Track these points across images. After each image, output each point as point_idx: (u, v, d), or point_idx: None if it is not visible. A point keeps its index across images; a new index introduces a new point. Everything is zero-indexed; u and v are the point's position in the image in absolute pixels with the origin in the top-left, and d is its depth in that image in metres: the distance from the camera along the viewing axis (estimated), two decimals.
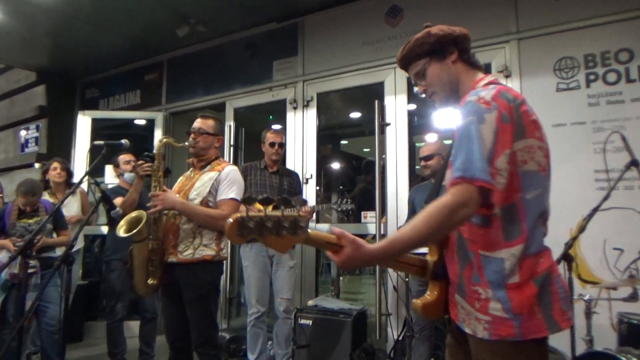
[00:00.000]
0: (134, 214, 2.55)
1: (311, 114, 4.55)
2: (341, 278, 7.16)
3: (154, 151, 2.60)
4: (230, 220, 1.06)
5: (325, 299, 3.70)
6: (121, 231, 2.50)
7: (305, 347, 3.35)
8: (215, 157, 2.68)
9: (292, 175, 3.75)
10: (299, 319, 3.45)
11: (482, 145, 1.15)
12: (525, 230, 1.20)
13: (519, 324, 1.17)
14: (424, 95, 1.44)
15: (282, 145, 3.61)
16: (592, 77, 3.27)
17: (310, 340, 3.37)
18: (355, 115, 6.59)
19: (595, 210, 2.40)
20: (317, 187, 4.57)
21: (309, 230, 1.15)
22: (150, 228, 2.45)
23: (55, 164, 4.09)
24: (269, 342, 3.59)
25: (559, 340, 2.94)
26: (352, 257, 1.16)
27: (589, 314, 2.49)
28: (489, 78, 1.37)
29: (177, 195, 2.56)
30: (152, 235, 2.46)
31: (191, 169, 2.72)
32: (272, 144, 3.56)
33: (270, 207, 1.13)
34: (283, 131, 3.71)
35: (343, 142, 8.38)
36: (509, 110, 1.20)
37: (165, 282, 2.49)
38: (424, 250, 1.37)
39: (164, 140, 2.59)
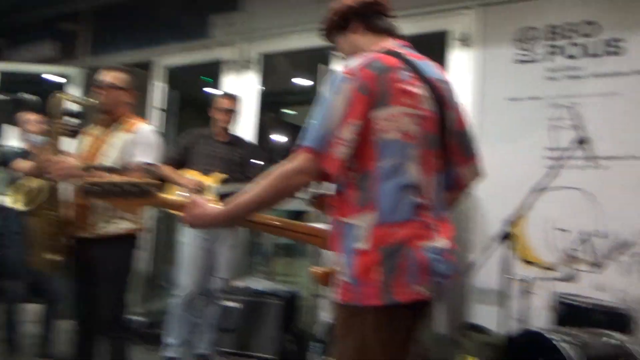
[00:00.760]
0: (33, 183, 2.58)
1: (252, 77, 4.48)
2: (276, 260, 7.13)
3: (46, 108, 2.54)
4: (77, 184, 1.32)
5: (255, 280, 3.74)
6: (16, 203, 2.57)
7: (231, 331, 3.37)
8: (125, 114, 2.61)
9: (246, 146, 3.67)
10: (226, 301, 3.45)
11: (329, 115, 1.29)
12: (377, 198, 1.30)
13: (357, 289, 1.28)
14: None
15: (233, 112, 3.52)
16: (552, 49, 3.35)
17: (237, 324, 3.40)
18: (303, 82, 6.53)
19: (541, 188, 2.51)
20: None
21: (159, 194, 1.39)
22: (49, 199, 2.41)
23: None
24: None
25: (494, 321, 3.10)
26: (195, 216, 1.40)
27: (525, 294, 2.64)
28: (387, 44, 1.44)
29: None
30: (50, 205, 2.42)
31: (94, 125, 2.65)
32: (221, 110, 3.47)
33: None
34: (237, 97, 3.62)
35: (288, 111, 8.28)
36: (372, 80, 1.30)
37: (77, 260, 2.50)
38: None
39: (61, 96, 2.51)
